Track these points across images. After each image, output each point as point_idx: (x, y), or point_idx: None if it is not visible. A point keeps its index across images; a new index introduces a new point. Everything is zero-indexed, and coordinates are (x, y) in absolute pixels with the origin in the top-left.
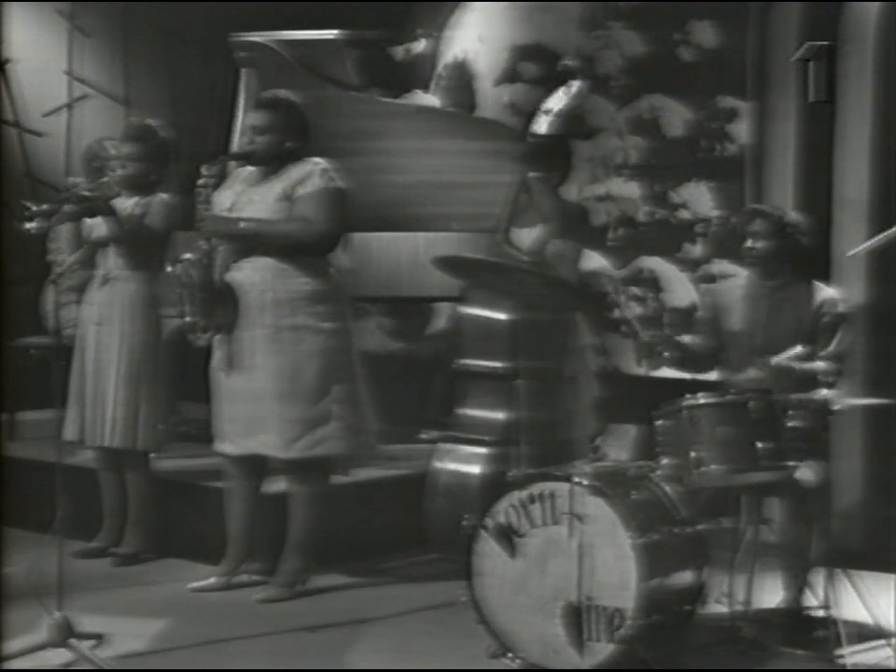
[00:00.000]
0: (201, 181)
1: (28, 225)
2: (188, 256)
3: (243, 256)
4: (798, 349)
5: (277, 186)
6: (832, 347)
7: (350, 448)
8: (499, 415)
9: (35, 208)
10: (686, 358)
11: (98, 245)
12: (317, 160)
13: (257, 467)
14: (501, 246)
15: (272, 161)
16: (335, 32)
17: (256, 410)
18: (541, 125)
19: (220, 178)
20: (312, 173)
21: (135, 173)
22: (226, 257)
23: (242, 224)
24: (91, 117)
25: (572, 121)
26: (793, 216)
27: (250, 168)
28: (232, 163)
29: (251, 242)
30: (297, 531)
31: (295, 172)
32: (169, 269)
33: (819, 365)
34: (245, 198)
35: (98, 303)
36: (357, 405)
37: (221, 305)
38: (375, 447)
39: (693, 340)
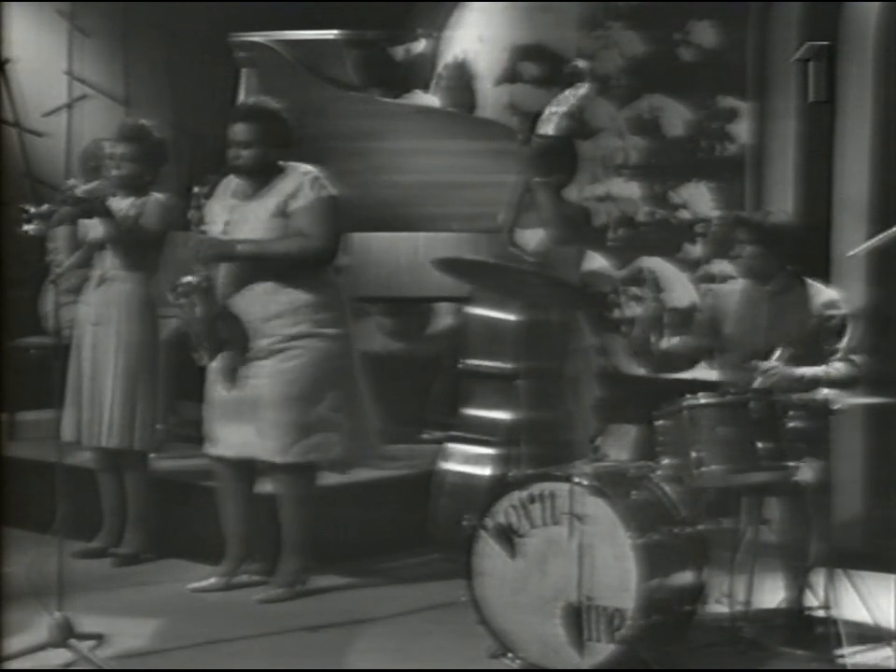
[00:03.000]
0: (193, 202)
1: (26, 227)
2: (188, 279)
3: (244, 285)
4: (778, 353)
5: (270, 202)
6: (843, 345)
7: (344, 454)
8: (505, 416)
9: (33, 210)
10: (660, 362)
11: (95, 246)
12: (307, 167)
13: (248, 469)
14: (506, 247)
15: (260, 173)
16: (335, 32)
17: (252, 414)
18: (549, 126)
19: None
20: (303, 184)
21: (130, 173)
22: (226, 284)
23: (239, 247)
24: (90, 117)
25: (578, 122)
26: (777, 216)
27: (237, 181)
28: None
29: (250, 263)
30: (291, 533)
31: (286, 184)
32: (170, 297)
33: (817, 369)
34: (239, 215)
35: (95, 304)
36: (357, 410)
37: (226, 328)
38: (377, 449)
39: (681, 340)
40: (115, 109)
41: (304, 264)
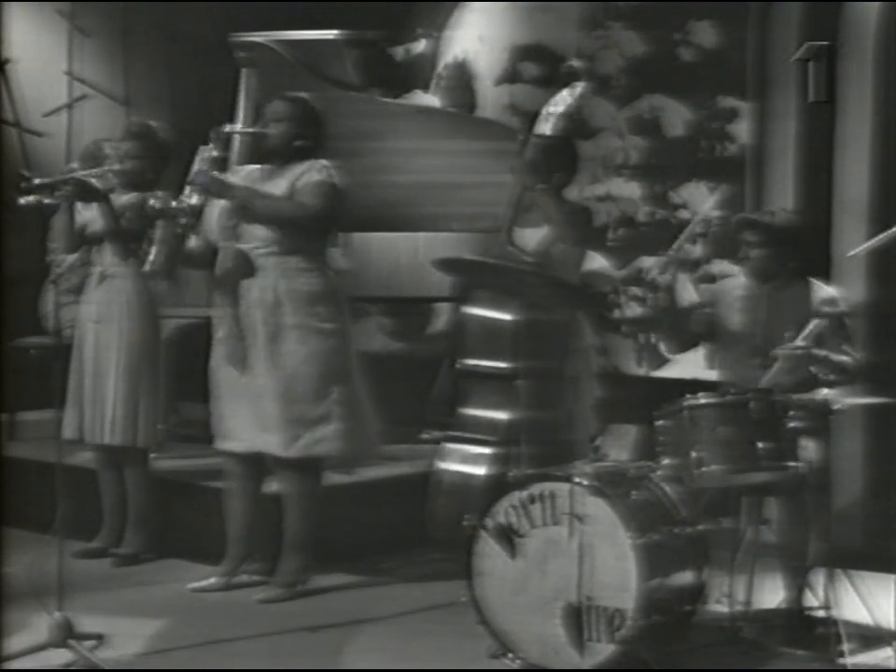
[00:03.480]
0: (210, 140)
1: (23, 199)
2: (173, 203)
3: (241, 220)
4: (809, 328)
5: (282, 183)
6: (847, 344)
7: (349, 449)
8: (503, 415)
9: (37, 181)
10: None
11: (94, 240)
12: (323, 160)
13: (258, 466)
14: (504, 246)
15: (282, 153)
16: (335, 32)
17: (258, 408)
18: (546, 126)
19: (223, 151)
20: (312, 167)
21: (133, 169)
22: (229, 257)
23: (236, 190)
24: (90, 117)
25: (576, 122)
26: (785, 217)
27: (249, 167)
28: (232, 161)
29: (241, 206)
30: (293, 531)
31: (298, 169)
32: (151, 202)
33: (840, 357)
34: None
35: (96, 302)
36: (357, 406)
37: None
38: (377, 447)
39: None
40: (115, 109)
41: (292, 225)
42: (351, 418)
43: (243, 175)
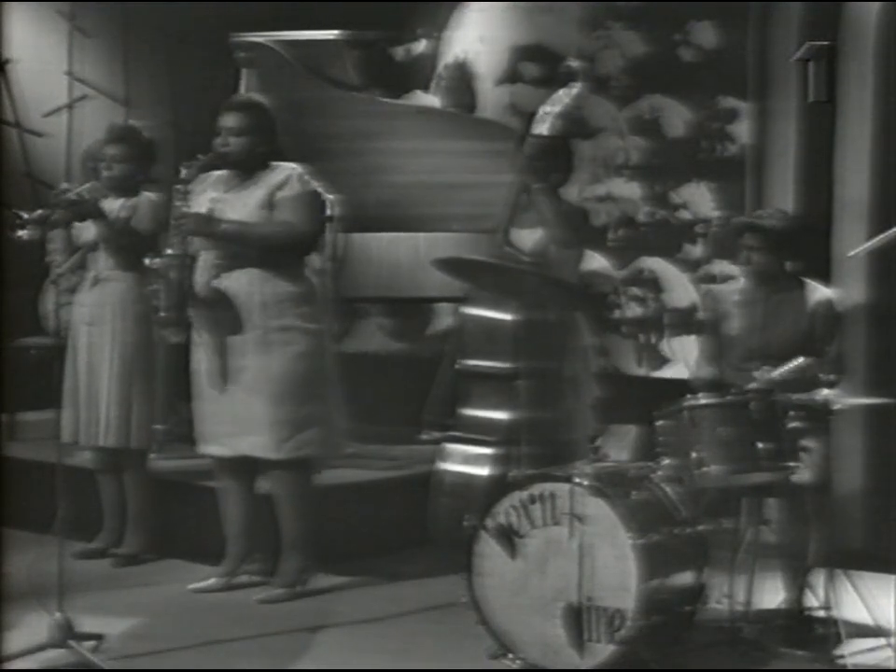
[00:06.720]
0: (181, 176)
1: (20, 233)
2: (168, 252)
3: (228, 269)
4: (800, 360)
5: (257, 192)
6: (831, 350)
7: (331, 449)
8: (504, 416)
9: (26, 216)
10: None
11: (88, 247)
12: (293, 164)
13: (247, 468)
14: (502, 247)
15: (247, 164)
16: (335, 32)
17: (244, 411)
18: (543, 126)
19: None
20: (290, 177)
21: (120, 174)
22: (208, 266)
23: (223, 226)
24: (91, 117)
25: (573, 122)
26: (785, 219)
27: (218, 172)
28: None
29: (231, 244)
30: (290, 532)
31: (273, 177)
32: (147, 261)
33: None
34: (223, 205)
35: (89, 304)
36: (336, 406)
37: (210, 310)
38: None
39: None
40: (115, 109)
41: (285, 249)
42: (330, 419)
43: (211, 181)
